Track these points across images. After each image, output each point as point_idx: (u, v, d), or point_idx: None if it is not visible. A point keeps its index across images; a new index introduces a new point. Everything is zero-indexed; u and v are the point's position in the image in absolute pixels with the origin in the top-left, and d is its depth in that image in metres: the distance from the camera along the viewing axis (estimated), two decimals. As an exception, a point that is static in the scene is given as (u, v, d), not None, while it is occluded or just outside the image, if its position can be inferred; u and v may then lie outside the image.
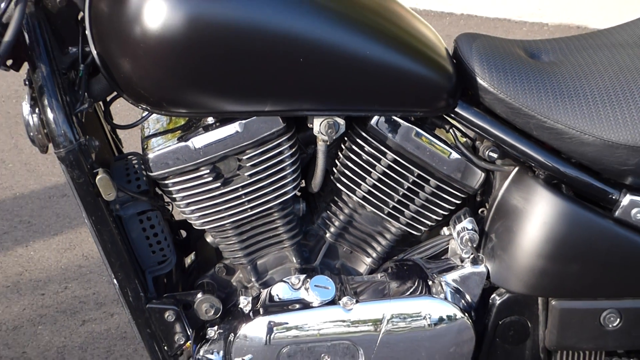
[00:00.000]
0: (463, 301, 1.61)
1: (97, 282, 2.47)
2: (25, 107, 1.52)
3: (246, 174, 1.55)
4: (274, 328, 1.56)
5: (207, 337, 1.63)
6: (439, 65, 1.55)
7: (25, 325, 2.25)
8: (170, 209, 1.70)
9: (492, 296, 1.64)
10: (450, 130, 1.60)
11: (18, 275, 2.45)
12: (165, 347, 1.64)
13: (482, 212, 1.68)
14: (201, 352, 1.61)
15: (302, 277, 1.58)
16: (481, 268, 1.62)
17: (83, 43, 1.50)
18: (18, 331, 2.24)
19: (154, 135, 1.63)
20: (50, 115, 1.46)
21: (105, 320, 2.36)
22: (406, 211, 1.61)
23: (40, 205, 2.89)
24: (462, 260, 1.65)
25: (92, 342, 2.30)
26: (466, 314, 1.58)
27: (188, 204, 1.56)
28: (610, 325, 1.63)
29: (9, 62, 1.49)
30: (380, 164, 1.56)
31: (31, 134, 1.51)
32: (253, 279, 1.65)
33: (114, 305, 2.40)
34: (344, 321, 1.56)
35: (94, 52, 1.45)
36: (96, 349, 2.28)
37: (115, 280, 1.57)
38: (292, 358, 1.57)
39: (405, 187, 1.59)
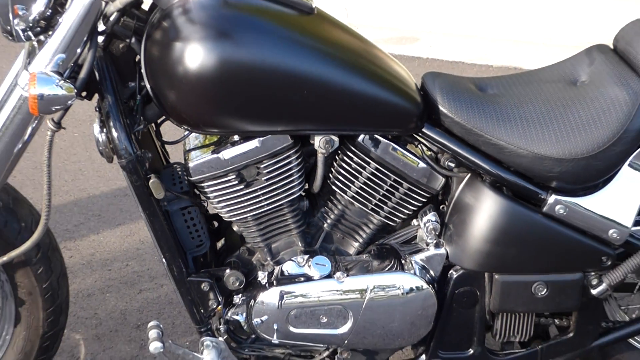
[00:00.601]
0: (428, 275, 1.60)
1: (150, 261, 2.46)
2: (96, 128, 1.50)
3: (263, 178, 1.52)
4: (284, 296, 1.56)
5: (234, 302, 1.61)
6: (410, 97, 1.52)
7: (96, 293, 2.26)
8: (206, 205, 1.66)
9: (450, 272, 1.61)
10: (419, 146, 1.58)
11: (90, 256, 2.46)
12: (202, 310, 1.61)
13: (443, 208, 1.65)
14: (229, 314, 1.60)
15: (306, 257, 1.58)
16: (442, 250, 1.60)
17: (139, 79, 1.48)
18: (90, 298, 2.26)
19: (193, 149, 1.59)
20: (114, 134, 1.44)
21: (157, 290, 2.35)
22: (385, 207, 1.58)
23: (108, 203, 2.89)
24: (427, 244, 1.62)
25: (147, 306, 2.29)
26: (430, 285, 1.57)
27: (219, 201, 1.53)
28: (539, 294, 1.62)
29: (84, 94, 1.47)
30: (365, 171, 1.53)
31: (100, 148, 1.49)
32: (268, 258, 1.63)
33: (163, 278, 2.36)
34: (337, 291, 1.55)
35: (148, 86, 1.45)
36: (150, 312, 2.27)
37: (164, 259, 1.56)
38: (298, 319, 1.55)
39: (384, 188, 1.56)
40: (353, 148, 1.53)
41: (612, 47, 1.74)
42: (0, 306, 1.67)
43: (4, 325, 1.69)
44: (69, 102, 1.34)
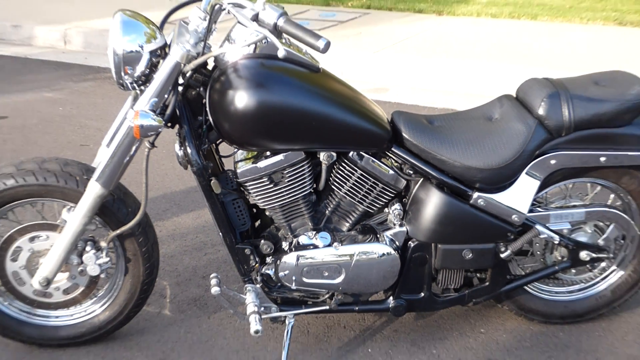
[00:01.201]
0: (394, 245, 1.59)
1: (211, 234, 2.30)
2: (177, 146, 1.51)
3: (286, 180, 1.50)
4: (299, 258, 1.55)
5: (266, 262, 1.61)
6: (383, 127, 1.51)
7: (177, 255, 2.13)
8: (248, 198, 1.64)
9: (409, 243, 1.59)
10: (389, 159, 1.59)
11: (172, 230, 2.10)
12: (245, 267, 1.59)
13: (404, 200, 1.64)
14: (263, 270, 1.59)
15: (314, 232, 1.58)
16: (404, 229, 1.58)
17: (205, 115, 1.48)
18: (172, 258, 2.10)
19: (240, 160, 1.60)
20: (189, 151, 1.44)
21: (216, 253, 2.23)
22: (366, 200, 1.56)
23: (184, 196, 2.61)
24: (394, 225, 1.61)
25: (210, 264, 2.19)
26: (396, 252, 1.57)
27: (256, 195, 1.52)
28: (467, 257, 1.58)
29: (169, 124, 1.46)
30: (354, 176, 1.52)
31: (179, 160, 1.51)
32: (289, 234, 1.61)
33: (220, 246, 2.19)
34: (334, 255, 1.54)
35: (210, 119, 1.45)
36: (211, 267, 2.14)
37: (220, 233, 1.54)
38: (308, 273, 1.54)
39: (366, 187, 1.55)
40: (346, 160, 1.48)
41: (515, 96, 1.69)
42: (115, 263, 1.63)
43: (117, 275, 1.65)
44: (160, 129, 1.35)
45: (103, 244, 1.49)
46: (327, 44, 1.26)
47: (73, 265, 1.50)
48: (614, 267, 1.69)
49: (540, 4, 5.31)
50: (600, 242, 1.58)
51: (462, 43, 4.29)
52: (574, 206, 1.62)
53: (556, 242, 1.57)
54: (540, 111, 1.43)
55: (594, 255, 1.58)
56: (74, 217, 1.38)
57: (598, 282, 1.72)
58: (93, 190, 1.35)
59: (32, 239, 1.46)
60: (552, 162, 1.45)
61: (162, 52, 1.38)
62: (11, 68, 4.16)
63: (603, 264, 1.67)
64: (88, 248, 1.49)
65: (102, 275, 1.54)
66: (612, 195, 1.64)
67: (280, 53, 1.28)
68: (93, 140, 3.08)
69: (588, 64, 3.55)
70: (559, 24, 4.81)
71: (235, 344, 1.72)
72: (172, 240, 2.34)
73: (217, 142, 1.54)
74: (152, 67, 1.38)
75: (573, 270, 1.69)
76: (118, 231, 1.45)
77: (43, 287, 1.45)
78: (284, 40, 1.44)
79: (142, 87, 1.41)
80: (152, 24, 1.42)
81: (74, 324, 1.62)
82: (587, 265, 1.68)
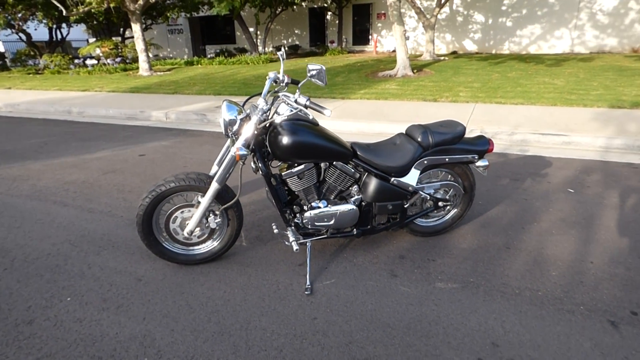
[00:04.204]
0: (356, 204, 2.28)
1: (262, 207, 3.11)
2: (253, 164, 2.17)
3: (304, 177, 2.16)
4: (312, 213, 2.24)
5: (297, 216, 2.26)
6: (348, 150, 2.16)
7: (250, 217, 2.63)
8: (287, 186, 2.23)
9: (362, 202, 2.29)
10: (351, 164, 2.23)
11: (246, 205, 2.81)
12: (287, 218, 2.21)
13: (359, 183, 2.28)
14: (295, 219, 2.26)
15: (319, 201, 2.25)
16: (360, 196, 2.29)
17: (265, 147, 2.11)
18: (248, 217, 2.66)
19: (283, 168, 2.22)
20: (260, 164, 2.11)
21: (273, 213, 3.00)
22: (342, 184, 2.22)
23: (258, 187, 3.50)
24: (355, 194, 2.30)
25: (262, 220, 2.96)
26: (357, 207, 2.27)
27: (291, 184, 2.17)
28: (389, 208, 2.29)
29: (252, 153, 2.04)
30: (336, 173, 2.20)
31: (254, 170, 2.18)
32: (307, 202, 2.20)
33: (272, 209, 3.09)
34: (329, 210, 2.23)
35: (269, 149, 2.08)
36: (270, 221, 2.92)
37: (274, 204, 2.20)
38: (317, 219, 2.23)
39: (342, 177, 2.22)
40: (333, 165, 2.19)
41: (404, 132, 2.43)
42: (221, 222, 2.38)
43: (223, 227, 2.41)
44: (248, 155, 2.00)
45: (217, 212, 2.39)
46: (330, 112, 1.85)
47: (203, 224, 2.44)
48: (453, 209, 2.76)
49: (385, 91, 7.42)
50: (447, 197, 2.65)
51: (355, 111, 5.76)
52: (435, 182, 2.57)
53: (428, 199, 2.55)
54: (419, 139, 2.35)
55: (444, 203, 2.63)
56: (205, 199, 2.31)
57: (445, 215, 2.78)
58: (214, 186, 2.25)
59: (182, 212, 2.43)
60: (425, 162, 2.37)
61: (245, 119, 2.13)
62: (140, 131, 6.15)
63: (448, 207, 2.73)
64: (210, 215, 2.40)
65: (217, 228, 2.44)
66: (449, 176, 2.68)
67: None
68: (190, 162, 4.43)
69: (414, 120, 5.31)
70: (399, 102, 6.91)
71: (282, 257, 2.54)
72: (247, 212, 3.20)
73: (271, 160, 2.15)
74: (243, 127, 2.10)
75: (435, 211, 2.65)
76: (226, 205, 2.28)
77: (189, 234, 2.41)
78: (300, 108, 2.02)
79: (236, 137, 2.15)
80: (239, 105, 2.18)
81: (203, 252, 2.53)
82: (441, 208, 2.65)
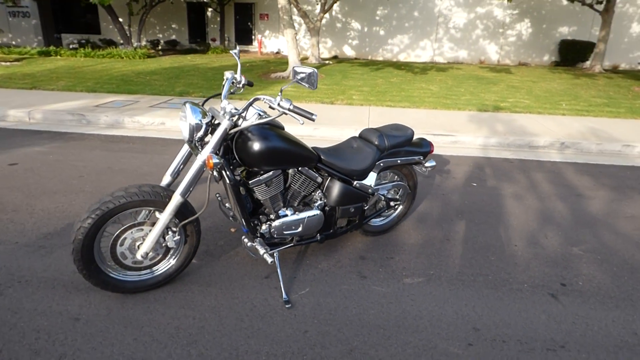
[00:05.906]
0: (320, 209, 2.28)
1: (210, 215, 2.65)
2: (216, 173, 2.02)
3: (272, 185, 2.10)
4: (278, 222, 2.17)
5: (263, 226, 2.16)
6: (313, 155, 2.14)
7: (210, 231, 2.35)
8: (253, 193, 2.12)
9: (326, 207, 2.29)
10: (314, 169, 2.22)
11: (203, 218, 2.48)
12: (253, 228, 2.10)
13: (323, 187, 2.28)
14: (262, 229, 2.16)
15: (284, 209, 2.19)
16: (324, 201, 2.29)
17: (232, 153, 2.00)
18: (206, 232, 2.29)
19: (248, 175, 2.09)
20: (227, 173, 1.97)
21: (213, 225, 2.80)
22: (306, 188, 2.21)
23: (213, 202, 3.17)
24: (319, 199, 2.28)
25: (205, 233, 2.77)
26: (322, 212, 2.27)
27: (258, 192, 2.08)
28: (351, 211, 2.34)
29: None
30: (302, 178, 2.18)
31: (216, 179, 2.03)
32: (273, 210, 2.14)
33: (216, 220, 2.85)
34: (295, 218, 2.17)
35: (236, 156, 1.99)
36: (209, 237, 2.53)
37: (240, 214, 2.07)
38: (284, 228, 2.15)
39: (307, 182, 2.21)
40: (299, 171, 2.17)
41: (358, 136, 2.51)
42: (179, 239, 2.15)
43: (180, 245, 2.18)
44: (221, 163, 1.91)
45: (174, 229, 2.13)
46: (315, 116, 1.81)
47: (159, 243, 2.14)
48: (400, 206, 2.96)
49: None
50: (397, 196, 2.83)
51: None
52: (386, 183, 2.72)
53: (382, 199, 2.69)
54: (376, 142, 2.44)
55: (395, 203, 2.80)
56: (164, 215, 2.04)
57: (393, 212, 2.96)
58: (176, 200, 2.01)
59: (131, 232, 2.08)
60: (381, 164, 2.48)
61: (210, 122, 1.98)
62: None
63: (397, 205, 2.92)
64: (168, 232, 2.13)
65: (174, 246, 2.17)
66: (396, 177, 2.85)
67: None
68: (86, 172, 3.72)
69: (322, 122, 5.46)
70: (297, 104, 7.02)
71: (244, 271, 2.37)
72: (204, 222, 2.90)
73: (236, 167, 2.04)
74: (211, 133, 1.96)
75: (387, 210, 2.80)
76: (186, 221, 2.07)
77: (144, 258, 2.08)
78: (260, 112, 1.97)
79: (201, 145, 1.98)
80: (202, 107, 2.01)
81: (157, 275, 2.21)
82: (392, 208, 2.82)
